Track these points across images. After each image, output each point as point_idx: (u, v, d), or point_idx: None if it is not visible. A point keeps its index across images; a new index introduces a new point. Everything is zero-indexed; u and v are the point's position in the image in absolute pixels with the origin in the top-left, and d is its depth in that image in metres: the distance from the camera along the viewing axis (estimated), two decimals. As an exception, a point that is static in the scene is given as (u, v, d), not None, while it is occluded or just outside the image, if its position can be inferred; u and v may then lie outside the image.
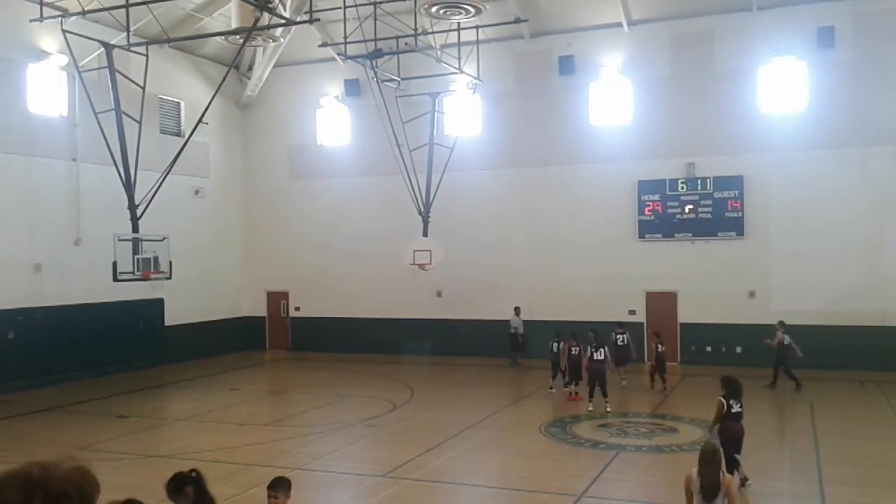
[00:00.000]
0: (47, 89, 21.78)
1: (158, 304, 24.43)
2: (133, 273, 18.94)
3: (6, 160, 20.48)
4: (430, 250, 23.44)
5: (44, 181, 21.43)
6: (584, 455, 13.74)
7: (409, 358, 25.23)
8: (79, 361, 21.97)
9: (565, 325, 20.95)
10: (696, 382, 20.46)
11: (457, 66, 21.60)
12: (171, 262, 19.93)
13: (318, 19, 19.19)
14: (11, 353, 20.24)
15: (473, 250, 25.58)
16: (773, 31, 22.66)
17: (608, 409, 16.84)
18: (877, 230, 21.94)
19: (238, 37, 18.40)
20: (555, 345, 19.49)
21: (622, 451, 13.92)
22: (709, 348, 23.42)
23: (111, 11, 18.41)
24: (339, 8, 19.66)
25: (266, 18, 17.03)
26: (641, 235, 24.12)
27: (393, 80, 22.65)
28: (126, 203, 18.72)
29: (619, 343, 20.27)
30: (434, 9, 17.80)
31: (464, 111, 25.50)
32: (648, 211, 24.01)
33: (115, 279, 18.78)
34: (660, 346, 19.96)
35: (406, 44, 21.08)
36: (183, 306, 25.35)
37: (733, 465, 10.58)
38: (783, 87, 22.82)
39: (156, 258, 19.46)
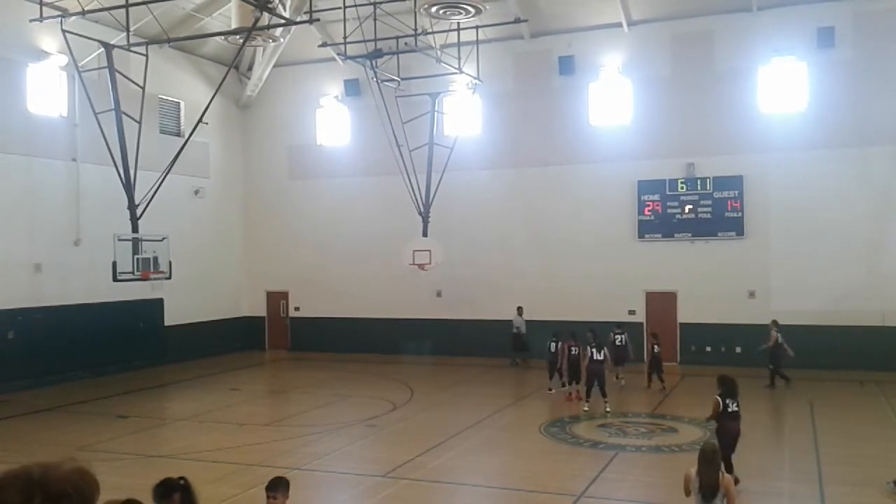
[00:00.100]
0: (47, 89, 21.78)
1: (158, 304, 24.44)
2: (133, 273, 18.94)
3: (6, 160, 20.48)
4: (429, 250, 23.44)
5: (44, 181, 21.44)
6: (583, 455, 13.74)
7: (409, 358, 25.24)
8: (79, 361, 21.97)
9: (565, 325, 20.95)
10: (696, 382, 20.45)
11: (457, 66, 21.60)
12: (170, 262, 19.94)
13: (317, 19, 19.20)
14: (11, 353, 20.24)
15: (473, 250, 25.58)
16: (773, 31, 22.67)
17: (608, 410, 16.84)
18: (877, 230, 21.95)
19: (238, 37, 18.40)
20: (552, 344, 19.49)
21: (622, 451, 13.92)
22: (708, 348, 23.42)
23: (111, 11, 18.41)
24: (339, 8, 19.66)
25: (266, 18, 17.03)
26: (641, 235, 24.12)
27: (393, 80, 22.66)
28: (126, 203, 18.72)
29: (618, 343, 20.27)
30: (434, 9, 17.79)
31: (464, 111, 25.50)
32: (648, 211, 24.01)
33: (115, 279, 18.79)
34: (656, 346, 19.96)
35: (406, 44, 21.08)
36: (183, 306, 25.35)
37: (730, 465, 10.58)
38: (783, 87, 22.82)
39: (155, 258, 19.46)
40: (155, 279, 19.71)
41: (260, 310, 29.16)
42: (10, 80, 20.81)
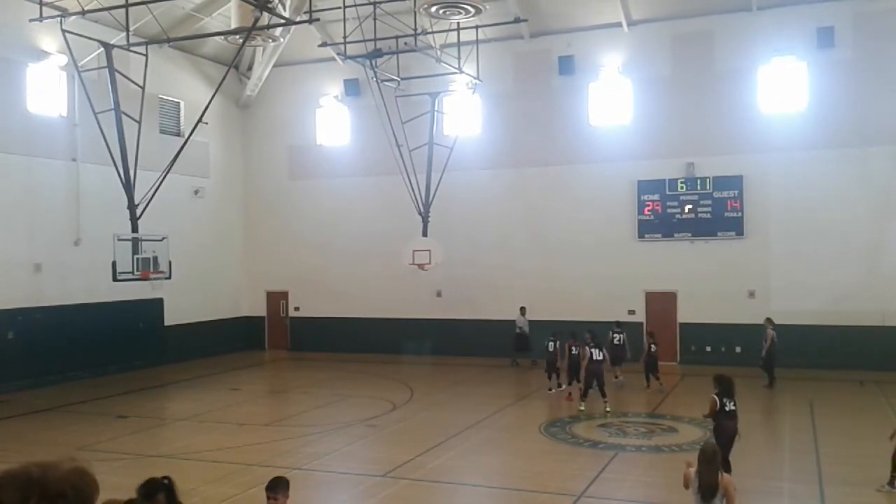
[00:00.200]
0: (47, 89, 21.78)
1: (158, 303, 24.44)
2: (133, 273, 18.93)
3: (6, 160, 20.47)
4: (429, 250, 23.43)
5: (44, 181, 21.44)
6: (583, 455, 13.74)
7: (409, 358, 25.23)
8: (79, 361, 21.96)
9: (565, 325, 20.92)
10: (696, 382, 20.40)
11: (456, 66, 21.59)
12: (170, 262, 19.93)
13: (317, 19, 19.20)
14: (11, 353, 20.24)
15: (473, 250, 25.58)
16: (773, 31, 22.66)
17: (608, 409, 16.84)
18: (877, 230, 21.95)
19: (238, 37, 18.39)
20: (550, 344, 19.47)
21: (622, 450, 13.92)
22: (708, 348, 23.41)
23: (111, 11, 18.40)
24: (339, 8, 19.65)
25: (266, 18, 17.02)
26: (641, 235, 24.12)
27: (393, 80, 22.65)
28: (126, 203, 18.71)
29: (616, 342, 20.27)
30: (434, 9, 17.79)
31: (463, 111, 25.50)
32: (648, 211, 24.01)
33: (115, 279, 18.78)
34: (653, 345, 19.94)
35: (406, 44, 21.08)
36: (183, 306, 25.36)
37: (728, 465, 10.57)
38: (783, 87, 22.82)
39: (155, 258, 19.45)
40: (155, 279, 19.71)
41: (260, 310, 29.16)
42: (10, 80, 20.82)
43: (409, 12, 20.42)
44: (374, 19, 20.13)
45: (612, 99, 24.54)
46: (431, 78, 23.39)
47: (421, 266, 23.52)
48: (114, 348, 23.05)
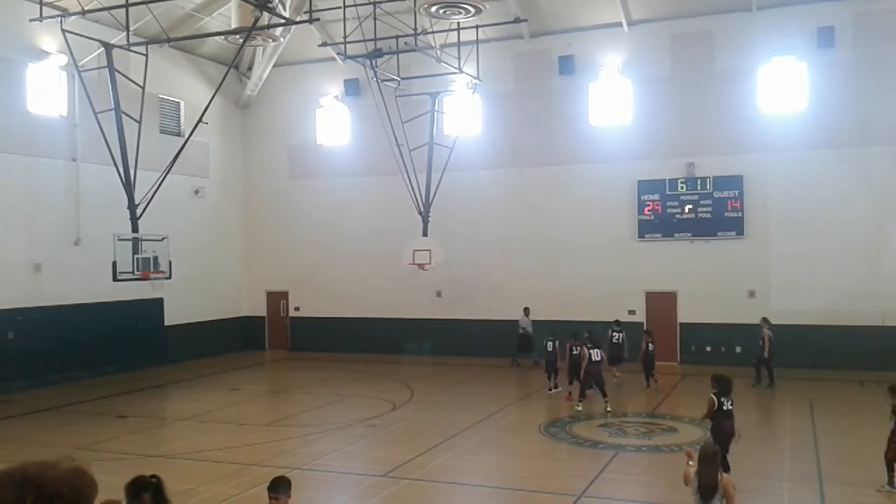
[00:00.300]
0: (47, 89, 21.78)
1: (158, 303, 24.44)
2: (133, 273, 18.92)
3: (6, 160, 20.48)
4: (429, 250, 23.42)
5: (44, 181, 21.44)
6: (583, 455, 13.75)
7: (409, 358, 25.23)
8: (79, 361, 21.97)
9: (565, 325, 20.95)
10: (696, 382, 20.40)
11: (457, 65, 21.59)
12: (170, 262, 19.91)
13: (317, 19, 19.20)
14: (11, 353, 20.25)
15: (473, 250, 25.58)
16: (773, 31, 22.66)
17: (608, 409, 16.83)
18: (877, 230, 21.94)
19: (238, 36, 18.40)
20: (549, 343, 19.46)
21: (622, 450, 13.93)
22: (708, 348, 23.41)
23: (111, 11, 18.40)
24: (339, 8, 19.66)
25: (266, 18, 17.03)
26: (641, 235, 24.12)
27: (393, 79, 22.65)
28: (126, 203, 18.72)
29: (615, 341, 20.27)
30: (434, 8, 17.80)
31: (463, 111, 25.50)
32: (648, 211, 24.01)
33: (115, 279, 18.77)
34: (650, 344, 19.93)
35: (406, 43, 21.08)
36: (183, 306, 25.36)
37: (726, 465, 10.57)
38: (783, 87, 22.82)
39: (155, 258, 19.44)
40: (155, 279, 19.69)
41: (260, 310, 29.16)
42: (10, 80, 20.82)
43: (409, 12, 20.42)
44: (374, 19, 20.13)
45: (612, 99, 24.53)
46: (431, 78, 23.40)
47: (421, 266, 23.51)
48: (114, 348, 23.05)
